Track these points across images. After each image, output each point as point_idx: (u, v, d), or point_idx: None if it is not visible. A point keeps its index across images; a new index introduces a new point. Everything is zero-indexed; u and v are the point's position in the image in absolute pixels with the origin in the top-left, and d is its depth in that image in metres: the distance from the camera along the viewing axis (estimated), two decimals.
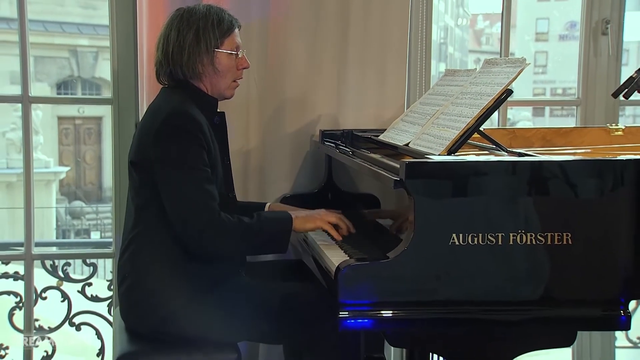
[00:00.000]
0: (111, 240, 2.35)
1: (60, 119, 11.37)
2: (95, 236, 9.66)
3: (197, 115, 1.64)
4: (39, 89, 10.33)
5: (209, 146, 1.65)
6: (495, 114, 1.87)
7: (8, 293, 2.31)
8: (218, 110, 1.80)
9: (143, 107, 2.14)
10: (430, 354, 1.78)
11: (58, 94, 11.58)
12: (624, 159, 1.50)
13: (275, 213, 1.78)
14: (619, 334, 2.63)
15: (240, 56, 1.75)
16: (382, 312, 1.47)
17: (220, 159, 1.74)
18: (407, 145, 1.81)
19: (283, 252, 1.69)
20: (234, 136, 2.20)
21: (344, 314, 1.46)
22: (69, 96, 10.76)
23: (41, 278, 2.34)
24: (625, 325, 1.47)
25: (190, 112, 1.63)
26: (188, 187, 1.60)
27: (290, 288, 1.79)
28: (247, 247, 1.67)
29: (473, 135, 1.66)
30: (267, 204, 2.00)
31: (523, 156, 1.58)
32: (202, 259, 1.67)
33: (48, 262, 2.33)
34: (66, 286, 2.35)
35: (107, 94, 2.48)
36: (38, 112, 9.25)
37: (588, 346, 2.60)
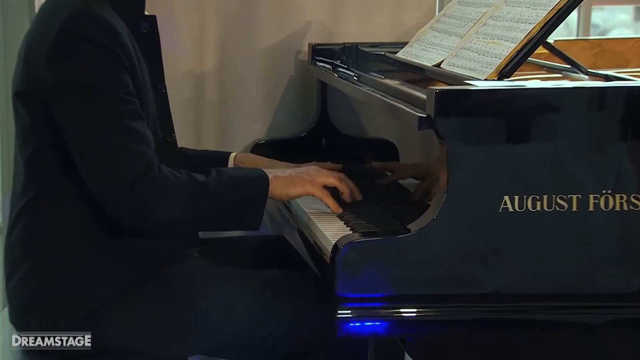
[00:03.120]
0: None
1: None
2: None
3: (113, 20, 1.64)
4: None
5: (132, 66, 1.65)
6: (573, 16, 1.90)
7: None
8: (146, 13, 1.80)
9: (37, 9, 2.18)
10: None
11: None
12: None
13: (243, 171, 1.80)
14: None
15: None
16: (400, 310, 1.50)
17: (152, 85, 1.75)
18: (438, 65, 1.83)
19: (254, 228, 1.72)
20: (180, 53, 2.23)
21: (344, 312, 1.49)
22: None
23: None
24: None
25: (101, 14, 1.62)
26: (105, 127, 1.61)
27: (266, 277, 1.81)
28: (201, 220, 1.71)
29: (537, 50, 1.68)
30: (232, 155, 2.03)
31: (613, 80, 1.59)
32: (130, 234, 1.69)
33: None
34: None
35: None
36: None
37: None
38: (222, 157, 2.03)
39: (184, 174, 1.66)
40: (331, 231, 1.70)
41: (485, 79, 1.64)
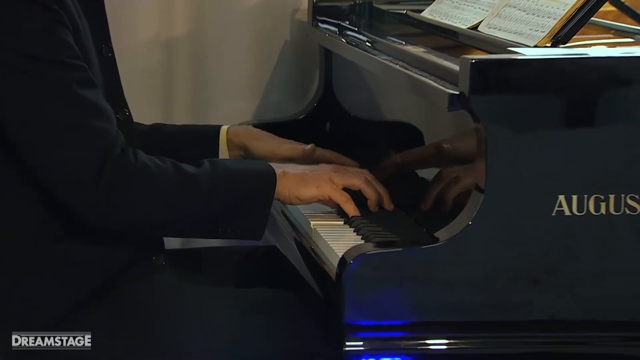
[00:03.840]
0: None
1: None
2: None
3: None
4: None
5: (74, 24, 1.66)
6: None
7: None
8: None
9: None
10: None
11: None
12: None
13: (244, 163, 1.84)
14: None
15: None
16: (426, 341, 1.50)
17: (96, 49, 1.76)
18: (475, 28, 1.84)
19: (255, 237, 1.75)
20: (141, 11, 2.24)
21: (354, 345, 1.49)
22: None
23: None
24: None
25: None
26: (51, 101, 1.61)
27: (254, 298, 1.82)
28: (188, 224, 1.73)
29: (603, 8, 1.68)
30: (224, 129, 2.05)
31: None
32: (83, 236, 1.71)
33: None
34: None
35: None
36: None
37: None
38: (209, 133, 2.05)
39: (168, 162, 1.69)
40: (338, 240, 1.70)
41: (536, 46, 1.63)
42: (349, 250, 1.53)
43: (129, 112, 1.87)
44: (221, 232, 1.77)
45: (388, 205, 1.82)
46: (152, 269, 1.84)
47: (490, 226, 1.50)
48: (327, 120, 2.30)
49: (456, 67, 1.53)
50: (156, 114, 2.31)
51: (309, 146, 1.98)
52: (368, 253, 1.50)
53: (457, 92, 1.49)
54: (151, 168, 1.66)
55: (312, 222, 1.81)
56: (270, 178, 1.74)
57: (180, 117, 2.40)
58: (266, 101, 2.41)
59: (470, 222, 1.49)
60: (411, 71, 1.70)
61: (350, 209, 1.79)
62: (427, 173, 1.92)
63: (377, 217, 1.80)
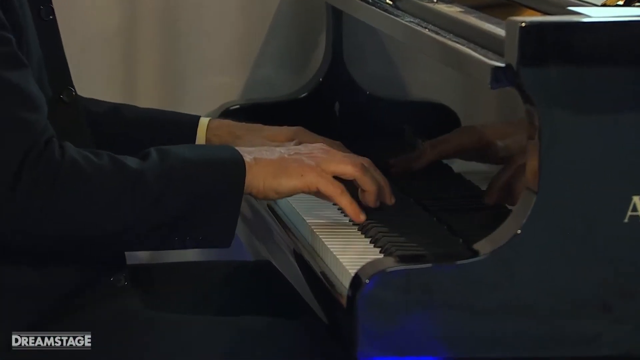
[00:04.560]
0: None
1: None
2: None
3: None
4: None
5: None
6: None
7: None
8: None
9: None
10: None
11: None
12: None
13: (201, 149, 1.88)
14: None
15: None
16: None
17: (32, 10, 1.78)
18: None
19: (223, 244, 1.75)
20: None
21: None
22: None
23: None
24: None
25: None
26: None
27: (244, 325, 1.83)
28: (133, 233, 1.73)
29: None
30: (204, 121, 2.08)
31: None
32: (22, 254, 1.72)
33: None
34: None
35: None
36: None
37: None
38: (185, 124, 2.07)
39: (104, 156, 1.69)
40: (349, 253, 1.71)
41: (604, 4, 1.65)
42: (364, 267, 1.52)
43: (75, 91, 1.88)
44: (178, 241, 1.77)
45: (389, 199, 1.82)
46: (111, 291, 1.85)
47: (544, 236, 1.50)
48: (335, 100, 2.31)
49: (502, 32, 1.53)
50: (114, 92, 2.33)
51: (294, 142, 1.97)
52: (389, 270, 1.49)
53: (503, 65, 1.49)
54: (81, 165, 1.65)
55: (316, 230, 1.82)
56: (238, 167, 1.74)
57: (146, 96, 2.42)
58: (257, 76, 2.44)
59: (519, 231, 1.49)
60: (444, 37, 1.71)
61: (346, 203, 1.78)
62: (461, 166, 1.95)
63: (398, 222, 1.81)
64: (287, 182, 1.77)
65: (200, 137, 2.04)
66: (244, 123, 2.08)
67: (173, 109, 2.34)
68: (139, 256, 2.00)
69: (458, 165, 2.01)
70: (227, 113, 2.32)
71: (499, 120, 1.81)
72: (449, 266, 1.51)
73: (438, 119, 2.03)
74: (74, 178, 1.65)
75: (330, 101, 2.31)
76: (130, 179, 1.69)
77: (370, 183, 1.80)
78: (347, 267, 1.62)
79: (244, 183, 1.74)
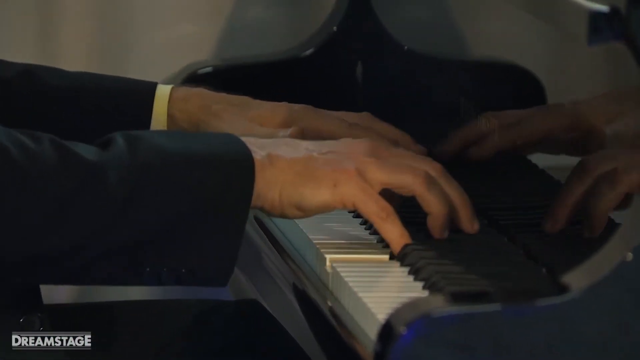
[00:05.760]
0: None
1: None
2: None
3: None
4: None
5: None
6: None
7: None
8: None
9: None
10: None
11: None
12: None
13: (192, 139, 1.67)
14: None
15: None
16: None
17: None
18: None
19: (218, 282, 1.57)
20: None
21: None
22: None
23: None
24: None
25: None
26: None
27: None
28: (82, 259, 1.54)
29: None
30: (163, 89, 1.91)
31: None
32: None
33: None
34: None
35: None
36: None
37: None
38: (135, 95, 1.89)
39: (44, 141, 1.51)
40: (377, 290, 1.51)
41: None
42: (399, 309, 1.29)
43: None
44: (148, 273, 1.58)
45: (468, 225, 1.58)
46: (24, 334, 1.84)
47: None
48: (356, 59, 2.11)
49: None
50: (28, 49, 2.21)
51: (291, 129, 1.80)
52: (437, 315, 1.26)
53: (607, 11, 1.33)
54: (12, 153, 1.47)
55: (328, 257, 1.58)
56: (244, 169, 1.53)
57: (73, 55, 2.31)
58: (241, 21, 2.30)
59: (630, 256, 1.27)
60: None
61: (392, 234, 1.56)
62: (545, 160, 1.81)
63: (453, 246, 1.61)
64: (313, 194, 1.55)
65: (159, 114, 1.85)
66: (223, 94, 1.86)
67: (113, 73, 2.13)
68: (60, 292, 2.01)
69: (538, 158, 1.82)
70: (193, 78, 2.11)
71: (602, 94, 1.67)
72: (527, 309, 1.28)
73: (513, 89, 1.88)
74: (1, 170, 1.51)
75: (349, 61, 2.12)
76: (82, 175, 1.49)
77: (436, 203, 1.57)
78: (374, 310, 1.39)
79: (252, 192, 1.52)
